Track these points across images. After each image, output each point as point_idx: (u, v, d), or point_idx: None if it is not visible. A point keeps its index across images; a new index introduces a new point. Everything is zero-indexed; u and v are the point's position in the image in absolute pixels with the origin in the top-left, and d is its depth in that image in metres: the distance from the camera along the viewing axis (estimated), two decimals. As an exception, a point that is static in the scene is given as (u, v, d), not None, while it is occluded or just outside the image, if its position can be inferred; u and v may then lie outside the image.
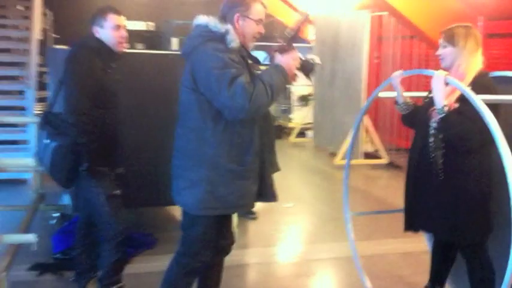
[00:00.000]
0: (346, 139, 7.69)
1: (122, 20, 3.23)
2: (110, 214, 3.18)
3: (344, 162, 7.55)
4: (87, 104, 3.08)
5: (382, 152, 8.14)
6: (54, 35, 10.91)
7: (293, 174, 7.76)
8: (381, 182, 7.55)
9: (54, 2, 11.17)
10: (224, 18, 2.70)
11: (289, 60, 2.68)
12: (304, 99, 10.32)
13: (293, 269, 4.40)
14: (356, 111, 7.83)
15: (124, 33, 3.23)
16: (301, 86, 10.56)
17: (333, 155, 8.26)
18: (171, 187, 2.87)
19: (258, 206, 5.42)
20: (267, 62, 2.92)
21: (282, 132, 10.36)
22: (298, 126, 9.81)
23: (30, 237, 3.04)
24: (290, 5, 11.35)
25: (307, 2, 10.54)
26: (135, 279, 3.79)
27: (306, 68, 2.79)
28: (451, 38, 3.04)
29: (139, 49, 14.32)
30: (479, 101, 2.63)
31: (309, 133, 9.85)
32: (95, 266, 3.44)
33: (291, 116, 10.77)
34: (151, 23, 14.93)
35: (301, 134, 9.96)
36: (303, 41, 10.97)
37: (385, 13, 8.21)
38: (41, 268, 3.97)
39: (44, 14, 11.25)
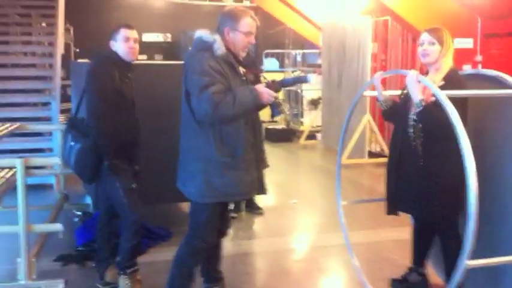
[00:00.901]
0: (352, 139, 8.05)
1: (133, 34, 3.68)
2: (128, 205, 3.63)
3: (349, 161, 7.98)
4: (107, 109, 3.54)
5: (386, 151, 8.46)
6: (75, 49, 11.50)
7: (300, 173, 8.17)
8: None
9: (74, 17, 11.79)
10: (218, 31, 3.14)
11: (265, 94, 3.08)
12: (314, 103, 10.69)
13: (294, 255, 4.79)
14: (361, 112, 8.21)
15: (133, 45, 3.67)
16: (311, 90, 10.97)
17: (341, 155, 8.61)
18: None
19: (265, 202, 5.91)
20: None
21: (294, 135, 10.74)
22: (308, 129, 10.18)
23: (58, 226, 3.50)
24: (301, 14, 11.78)
25: (316, 9, 10.99)
26: (151, 266, 4.24)
27: (273, 108, 3.19)
28: (439, 38, 3.41)
29: (158, 59, 14.90)
30: (443, 96, 3.02)
31: (319, 135, 10.21)
32: (113, 253, 3.87)
33: (302, 120, 11.16)
34: (168, 35, 15.54)
35: (312, 136, 10.33)
36: (315, 47, 11.36)
37: (387, 18, 8.57)
38: (65, 259, 4.42)
39: (67, 30, 11.91)
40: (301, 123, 11.12)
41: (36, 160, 3.69)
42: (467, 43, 7.88)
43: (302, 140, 10.08)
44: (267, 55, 14.92)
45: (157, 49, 15.58)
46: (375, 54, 9.19)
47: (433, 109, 3.15)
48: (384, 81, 3.82)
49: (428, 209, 3.41)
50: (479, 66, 7.87)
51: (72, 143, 3.55)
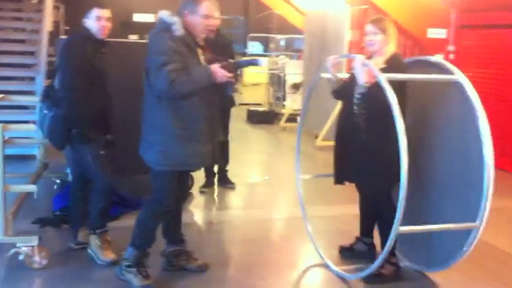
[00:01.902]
0: (327, 122, 8.38)
1: (105, 13, 3.95)
2: (96, 170, 3.94)
3: (325, 143, 8.30)
4: (79, 81, 3.83)
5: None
6: (65, 27, 11.72)
7: (277, 154, 8.51)
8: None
9: (65, -5, 11.98)
10: (178, 13, 3.43)
11: (219, 73, 3.38)
12: (296, 87, 10.99)
13: (259, 226, 5.12)
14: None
15: (104, 23, 3.94)
16: (293, 74, 11.27)
17: (318, 137, 8.95)
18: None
19: (238, 178, 6.24)
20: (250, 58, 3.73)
21: (276, 118, 11.05)
22: (289, 111, 10.48)
23: (32, 187, 3.80)
24: (287, 1, 12.04)
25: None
26: (122, 231, 4.50)
27: (227, 87, 3.54)
28: (382, 27, 3.72)
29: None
30: (384, 79, 3.35)
31: (299, 118, 10.50)
32: (85, 215, 4.18)
33: (284, 103, 11.46)
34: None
35: (293, 119, 10.62)
36: (301, 32, 11.60)
37: (366, 6, 8.86)
38: (42, 222, 4.74)
39: (57, 8, 12.10)
40: (283, 106, 11.42)
41: (14, 126, 3.97)
42: (440, 33, 8.19)
43: (282, 123, 10.39)
44: (251, 39, 15.17)
45: (149, 29, 15.63)
46: (357, 41, 9.48)
47: (375, 90, 3.47)
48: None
49: (367, 180, 3.77)
50: (451, 56, 8.19)
51: (46, 111, 3.86)
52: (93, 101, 3.92)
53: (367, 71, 3.55)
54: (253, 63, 3.74)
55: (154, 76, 3.32)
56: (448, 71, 3.67)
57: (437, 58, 3.90)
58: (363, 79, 3.55)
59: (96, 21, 3.90)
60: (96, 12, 3.90)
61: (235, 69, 3.56)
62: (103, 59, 4.02)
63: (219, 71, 3.38)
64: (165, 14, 3.41)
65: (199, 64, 3.45)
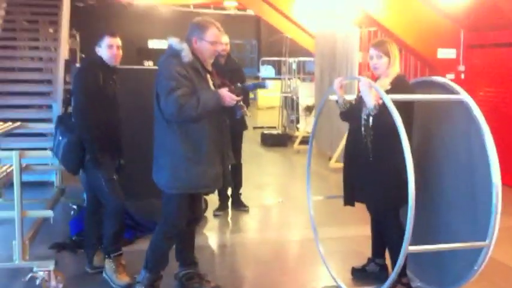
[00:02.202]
0: (341, 143, 8.41)
1: (116, 41, 4.09)
2: (109, 194, 4.04)
3: (338, 165, 8.33)
4: (90, 107, 3.95)
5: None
6: (81, 55, 11.99)
7: (291, 176, 8.57)
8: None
9: (81, 24, 12.29)
10: (186, 39, 3.55)
11: (227, 97, 3.50)
12: (309, 110, 11.07)
13: (272, 247, 5.16)
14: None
15: (116, 51, 4.07)
16: (306, 97, 11.36)
17: (331, 159, 8.98)
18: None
19: (252, 201, 6.29)
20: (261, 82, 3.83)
21: (289, 140, 11.11)
22: (303, 134, 10.54)
23: (49, 213, 3.90)
24: (297, 25, 12.20)
25: (310, 19, 11.41)
26: (137, 254, 4.60)
27: (235, 110, 3.60)
28: (385, 51, 3.80)
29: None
30: (389, 100, 3.41)
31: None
32: (100, 239, 4.26)
33: (298, 125, 11.54)
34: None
35: (306, 141, 10.65)
36: (312, 55, 11.73)
37: (374, 28, 8.96)
38: (59, 247, 4.83)
39: (73, 36, 12.40)
40: (297, 128, 11.49)
41: (31, 153, 4.10)
42: (450, 53, 8.24)
43: (296, 145, 10.45)
44: (263, 62, 15.33)
45: (162, 55, 16.01)
46: (366, 63, 9.55)
47: (381, 111, 3.53)
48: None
49: (375, 200, 3.80)
50: (462, 75, 8.23)
51: (60, 138, 3.98)
52: (105, 127, 4.03)
53: (374, 93, 3.62)
54: (261, 85, 3.86)
55: (164, 101, 3.42)
56: (453, 91, 3.72)
57: (442, 78, 3.95)
58: (371, 102, 3.59)
59: (108, 49, 4.04)
60: (107, 40, 4.04)
61: (243, 92, 3.65)
62: (114, 86, 4.14)
63: (227, 95, 3.48)
64: (174, 41, 3.53)
65: (208, 88, 3.55)
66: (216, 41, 3.56)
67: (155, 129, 3.64)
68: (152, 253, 3.74)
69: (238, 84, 3.70)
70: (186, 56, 3.46)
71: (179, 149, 3.50)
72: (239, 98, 3.55)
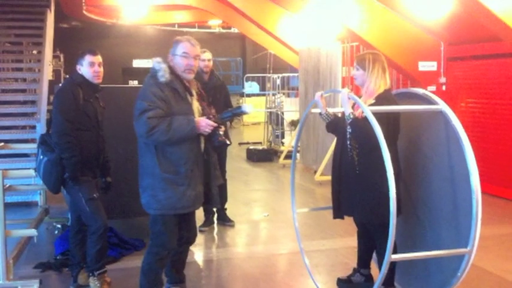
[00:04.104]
0: (325, 157, 8.47)
1: (97, 59, 4.11)
2: (90, 213, 4.03)
3: (323, 178, 8.38)
4: (69, 127, 3.95)
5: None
6: (65, 75, 12.00)
7: (277, 191, 8.57)
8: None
9: (65, 45, 12.32)
10: (167, 59, 3.56)
11: (202, 125, 3.47)
12: (294, 124, 11.13)
13: (256, 262, 5.14)
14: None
15: (97, 69, 4.09)
16: (290, 111, 11.44)
17: (316, 172, 9.02)
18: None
19: (238, 216, 6.29)
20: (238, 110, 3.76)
21: (275, 155, 11.15)
22: (288, 148, 10.59)
23: (32, 232, 3.88)
24: (281, 41, 12.32)
25: (293, 36, 11.53)
26: (124, 272, 4.67)
27: (213, 137, 3.55)
28: (362, 64, 3.87)
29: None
30: (368, 110, 3.46)
31: (298, 155, 10.62)
32: (84, 257, 4.24)
33: (283, 140, 11.59)
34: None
35: (291, 156, 10.72)
36: (296, 71, 11.84)
37: (356, 43, 9.07)
38: (44, 266, 4.77)
39: (57, 57, 12.42)
40: (282, 143, 11.54)
41: (14, 172, 4.09)
42: (431, 66, 8.37)
43: (281, 160, 10.48)
44: (248, 79, 15.44)
45: (146, 74, 16.08)
46: (351, 77, 9.65)
47: (362, 123, 3.58)
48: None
49: (364, 212, 3.82)
50: (443, 87, 8.35)
51: (41, 157, 3.99)
52: (84, 145, 4.02)
53: (353, 103, 3.69)
54: (238, 113, 3.78)
55: (136, 121, 3.42)
56: (432, 102, 3.78)
57: (421, 90, 4.01)
58: (348, 110, 3.68)
59: (90, 67, 4.06)
60: (88, 58, 4.06)
61: (221, 121, 3.61)
62: (97, 104, 4.15)
63: (202, 122, 3.46)
64: (156, 61, 3.52)
65: (186, 113, 3.49)
66: (187, 52, 3.51)
67: (138, 150, 3.63)
68: (145, 276, 3.67)
69: (216, 115, 3.65)
70: (162, 76, 3.45)
71: (157, 169, 3.48)
72: (215, 125, 3.51)
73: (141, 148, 3.57)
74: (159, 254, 3.64)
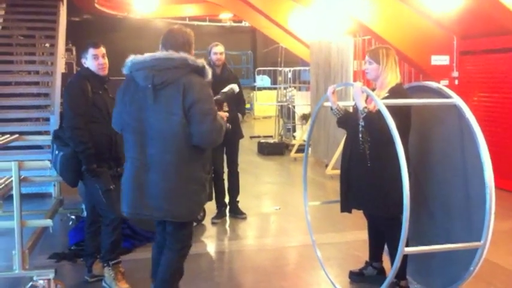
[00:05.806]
0: (337, 150, 8.47)
1: (100, 51, 4.14)
2: (106, 204, 4.07)
3: (334, 172, 8.39)
4: (80, 121, 3.99)
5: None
6: (77, 68, 12.06)
7: (288, 184, 8.60)
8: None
9: (77, 37, 12.36)
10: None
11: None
12: (305, 118, 11.13)
13: (269, 254, 5.18)
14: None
15: (102, 61, 4.12)
16: (302, 105, 11.44)
17: (327, 166, 9.03)
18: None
19: (249, 209, 6.33)
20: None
21: (286, 149, 11.16)
22: (299, 142, 10.60)
23: (48, 222, 3.93)
24: (292, 35, 12.30)
25: (304, 29, 11.50)
26: (136, 263, 4.71)
27: None
28: (376, 57, 3.87)
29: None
30: (381, 104, 3.47)
31: (309, 148, 10.62)
32: (99, 248, 4.30)
33: (294, 134, 11.59)
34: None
35: (303, 150, 10.72)
36: (307, 64, 11.83)
37: (368, 37, 9.05)
38: (58, 257, 4.86)
39: (69, 50, 12.49)
40: (293, 137, 11.54)
41: (30, 163, 4.14)
42: (443, 60, 8.33)
43: (293, 153, 10.50)
44: (259, 72, 15.43)
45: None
46: (361, 71, 9.63)
47: (376, 116, 3.59)
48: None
49: (375, 206, 3.84)
50: (456, 81, 8.31)
51: (57, 152, 4.04)
52: (98, 138, 4.05)
53: (366, 96, 3.70)
54: (229, 93, 3.72)
55: (207, 124, 3.30)
56: (445, 95, 3.79)
57: (435, 83, 4.01)
58: (362, 104, 3.68)
59: (94, 60, 4.10)
60: (91, 51, 4.10)
61: (220, 103, 3.58)
62: (105, 95, 4.18)
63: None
64: (199, 59, 3.37)
65: None
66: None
67: (175, 155, 3.32)
68: (173, 278, 3.56)
69: (223, 94, 3.67)
70: (207, 76, 3.36)
71: (202, 173, 3.45)
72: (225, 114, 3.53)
73: (183, 153, 3.29)
74: (186, 254, 3.60)
